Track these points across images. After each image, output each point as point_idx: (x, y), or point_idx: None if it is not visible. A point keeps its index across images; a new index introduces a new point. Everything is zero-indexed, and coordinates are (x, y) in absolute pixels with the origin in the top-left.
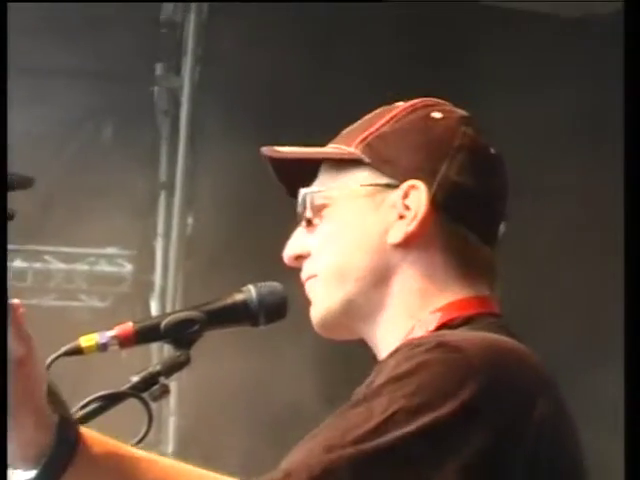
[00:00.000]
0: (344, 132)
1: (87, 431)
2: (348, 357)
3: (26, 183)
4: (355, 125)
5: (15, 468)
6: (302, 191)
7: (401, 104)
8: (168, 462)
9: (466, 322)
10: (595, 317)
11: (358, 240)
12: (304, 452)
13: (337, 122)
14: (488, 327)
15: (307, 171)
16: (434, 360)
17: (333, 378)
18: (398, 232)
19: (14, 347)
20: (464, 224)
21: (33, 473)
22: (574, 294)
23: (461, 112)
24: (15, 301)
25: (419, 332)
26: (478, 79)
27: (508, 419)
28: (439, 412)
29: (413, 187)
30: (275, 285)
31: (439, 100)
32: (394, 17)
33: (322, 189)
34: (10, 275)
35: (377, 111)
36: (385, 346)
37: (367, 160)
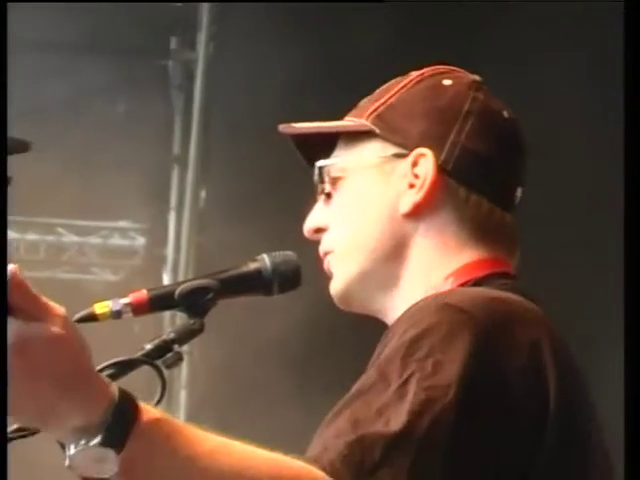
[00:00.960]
0: (360, 104)
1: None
2: (361, 327)
3: (22, 147)
4: (369, 97)
5: (73, 442)
6: (317, 164)
7: (413, 73)
8: (224, 439)
9: (477, 285)
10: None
11: (371, 212)
12: (333, 431)
13: (349, 96)
14: (499, 288)
15: (327, 145)
16: (441, 322)
17: (345, 348)
18: (407, 201)
19: (46, 324)
20: (476, 189)
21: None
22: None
23: (472, 77)
24: (13, 270)
25: None
26: (477, 67)
27: (519, 365)
28: (454, 369)
29: (422, 155)
30: (289, 254)
31: (451, 67)
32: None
33: (335, 162)
34: (22, 247)
35: (391, 82)
36: None
37: (377, 131)
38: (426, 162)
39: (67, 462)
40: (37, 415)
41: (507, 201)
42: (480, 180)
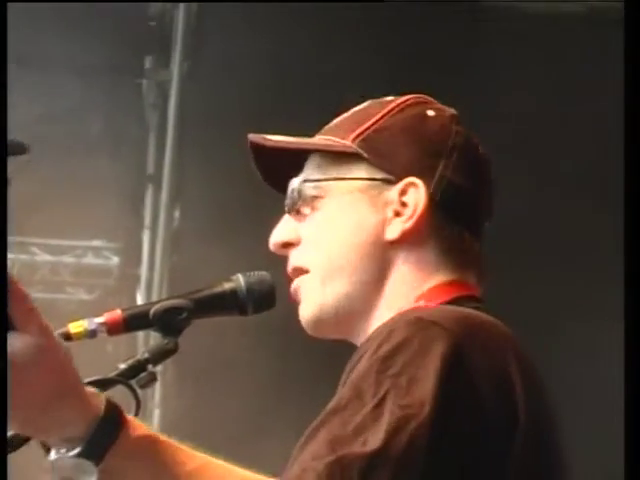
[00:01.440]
0: (333, 124)
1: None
2: (335, 343)
3: (20, 150)
4: (345, 117)
5: (55, 448)
6: (294, 181)
7: (392, 99)
8: (207, 458)
9: (446, 305)
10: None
11: (353, 235)
12: (310, 452)
13: (324, 117)
14: (468, 308)
15: (290, 160)
16: (413, 335)
17: (320, 369)
18: (395, 229)
19: (36, 337)
20: (459, 221)
21: (73, 452)
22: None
23: (451, 110)
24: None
25: None
26: (476, 77)
27: (490, 378)
28: (428, 385)
29: (412, 184)
30: (264, 274)
31: (427, 97)
32: (390, 16)
33: (316, 180)
34: None
35: (368, 104)
36: None
37: (364, 155)
38: (417, 192)
39: (49, 465)
40: (23, 427)
41: (480, 233)
42: (462, 212)
